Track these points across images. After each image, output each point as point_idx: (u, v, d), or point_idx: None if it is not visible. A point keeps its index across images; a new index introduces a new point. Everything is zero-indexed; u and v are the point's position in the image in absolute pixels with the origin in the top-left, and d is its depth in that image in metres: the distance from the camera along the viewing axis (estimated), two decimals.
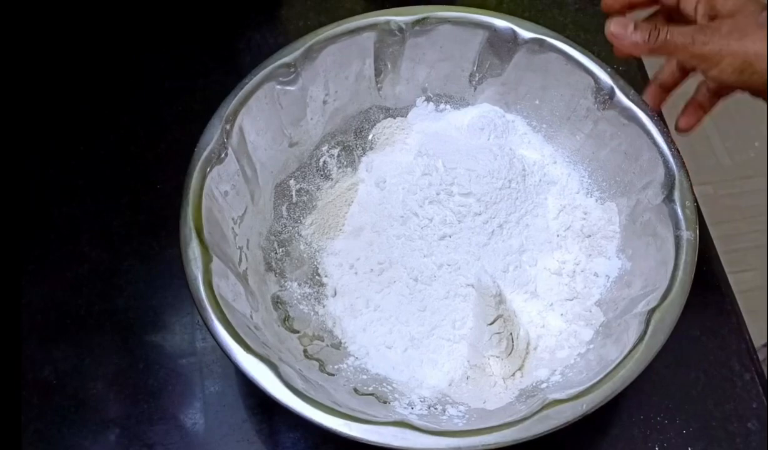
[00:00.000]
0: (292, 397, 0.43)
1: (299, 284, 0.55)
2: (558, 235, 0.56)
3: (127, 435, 0.53)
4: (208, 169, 0.50)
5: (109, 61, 0.70)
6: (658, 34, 0.46)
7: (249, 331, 0.47)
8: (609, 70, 0.55)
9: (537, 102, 0.60)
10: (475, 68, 0.60)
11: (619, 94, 0.54)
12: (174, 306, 0.58)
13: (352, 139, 0.61)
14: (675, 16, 0.52)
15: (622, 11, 0.53)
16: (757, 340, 0.57)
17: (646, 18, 0.54)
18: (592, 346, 0.50)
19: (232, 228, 0.52)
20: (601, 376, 0.44)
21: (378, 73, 0.60)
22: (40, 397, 0.54)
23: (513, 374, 0.51)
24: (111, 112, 0.68)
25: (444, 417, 0.47)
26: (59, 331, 0.57)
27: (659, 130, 0.52)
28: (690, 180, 0.51)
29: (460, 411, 0.48)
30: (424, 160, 0.56)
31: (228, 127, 0.52)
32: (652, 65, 0.63)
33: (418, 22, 0.58)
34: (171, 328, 0.57)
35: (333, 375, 0.50)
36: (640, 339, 0.45)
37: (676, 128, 0.55)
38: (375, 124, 0.61)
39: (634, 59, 0.70)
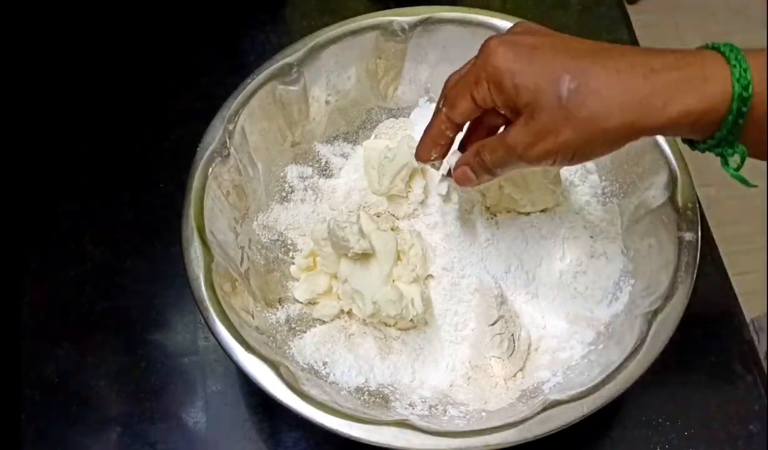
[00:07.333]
0: (293, 397, 0.43)
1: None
2: (560, 236, 0.55)
3: (129, 433, 0.53)
4: (211, 169, 0.50)
5: (110, 61, 0.70)
6: (483, 160, 0.42)
7: (250, 330, 0.47)
8: None
9: None
10: None
11: None
12: (176, 305, 0.58)
13: (355, 139, 0.61)
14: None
15: (437, 159, 0.48)
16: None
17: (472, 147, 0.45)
18: (593, 347, 0.50)
19: (234, 228, 0.52)
20: (603, 377, 0.44)
21: (380, 73, 0.60)
22: (42, 395, 0.54)
23: (514, 375, 0.51)
24: (112, 112, 0.68)
25: (445, 417, 0.47)
26: (61, 329, 0.57)
27: None
28: (692, 181, 0.51)
29: (461, 412, 0.48)
30: None
31: (230, 127, 0.52)
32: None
33: (420, 22, 0.58)
34: (173, 327, 0.57)
35: (335, 375, 0.50)
36: (642, 340, 0.45)
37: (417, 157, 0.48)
38: (377, 124, 0.61)
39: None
